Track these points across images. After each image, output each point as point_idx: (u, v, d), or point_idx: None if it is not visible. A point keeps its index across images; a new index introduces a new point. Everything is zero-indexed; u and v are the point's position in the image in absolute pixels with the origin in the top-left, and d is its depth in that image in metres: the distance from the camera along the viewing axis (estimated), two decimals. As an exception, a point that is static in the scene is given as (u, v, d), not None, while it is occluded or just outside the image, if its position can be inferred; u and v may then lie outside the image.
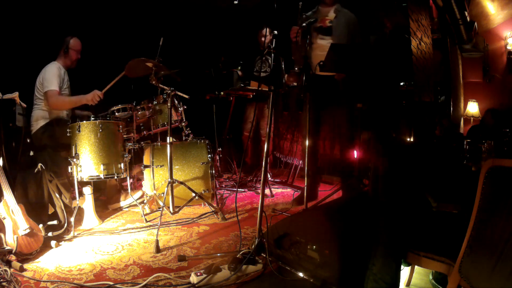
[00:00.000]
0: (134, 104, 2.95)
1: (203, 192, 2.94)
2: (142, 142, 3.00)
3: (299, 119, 3.06)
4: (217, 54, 4.32)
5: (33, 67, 3.04)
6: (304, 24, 2.61)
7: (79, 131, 2.54)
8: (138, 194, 2.91)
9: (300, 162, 4.02)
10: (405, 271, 1.60)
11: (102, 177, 2.56)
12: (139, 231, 2.39)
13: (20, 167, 2.66)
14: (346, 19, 2.86)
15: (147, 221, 2.57)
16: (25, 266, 1.79)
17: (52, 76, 2.87)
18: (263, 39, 4.35)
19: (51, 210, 2.30)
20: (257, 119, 4.44)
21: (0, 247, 1.81)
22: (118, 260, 1.90)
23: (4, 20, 3.53)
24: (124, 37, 4.37)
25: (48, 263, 1.85)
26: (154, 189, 2.87)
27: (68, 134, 2.58)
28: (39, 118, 2.93)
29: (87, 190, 2.53)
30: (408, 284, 1.64)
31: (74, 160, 2.48)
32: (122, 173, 2.67)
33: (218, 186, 3.59)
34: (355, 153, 3.19)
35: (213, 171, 3.04)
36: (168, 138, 2.58)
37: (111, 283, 1.64)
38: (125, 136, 2.90)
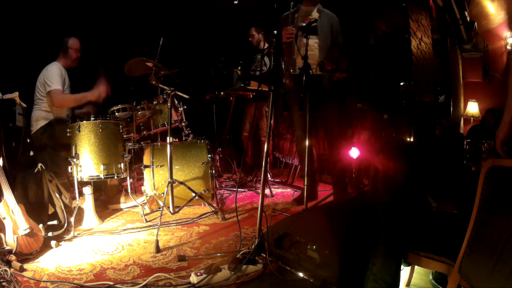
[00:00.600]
0: (134, 104, 2.96)
1: (203, 192, 2.94)
2: (142, 142, 3.00)
3: (293, 120, 3.05)
4: (217, 54, 4.33)
5: (33, 67, 3.04)
6: (304, 24, 2.61)
7: (79, 131, 2.54)
8: (141, 199, 2.91)
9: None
10: (405, 271, 1.60)
11: (102, 177, 2.56)
12: (139, 231, 2.38)
13: (20, 167, 2.66)
14: (329, 19, 2.87)
15: (147, 221, 2.57)
16: (25, 266, 1.79)
17: (54, 75, 2.88)
18: (250, 39, 4.36)
19: (51, 210, 2.30)
20: (257, 119, 4.44)
21: (0, 247, 1.81)
22: (118, 260, 1.90)
23: (4, 20, 3.53)
24: (124, 37, 4.37)
25: (48, 263, 1.85)
26: (154, 189, 2.87)
27: (68, 134, 2.58)
28: (39, 118, 2.93)
29: (87, 190, 2.53)
30: (408, 284, 1.64)
31: (74, 160, 2.48)
32: (122, 173, 2.67)
33: (218, 186, 3.59)
34: (355, 154, 3.19)
35: (213, 171, 3.04)
36: (168, 138, 2.58)
37: (111, 283, 1.64)
38: (125, 136, 2.90)
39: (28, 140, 2.98)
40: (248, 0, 5.16)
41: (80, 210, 2.49)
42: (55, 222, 2.25)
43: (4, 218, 1.87)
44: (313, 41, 2.82)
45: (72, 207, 2.40)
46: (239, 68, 4.35)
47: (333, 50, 2.84)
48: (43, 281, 1.65)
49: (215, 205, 2.85)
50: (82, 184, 2.56)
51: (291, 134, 4.23)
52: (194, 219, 2.65)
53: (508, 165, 1.02)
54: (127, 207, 2.96)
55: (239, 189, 3.61)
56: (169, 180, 2.55)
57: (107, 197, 3.02)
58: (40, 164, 2.33)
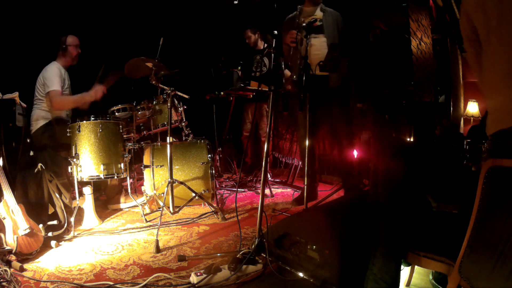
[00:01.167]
0: (134, 104, 2.95)
1: (203, 192, 2.94)
2: (142, 142, 3.00)
3: (296, 120, 3.05)
4: (217, 54, 4.33)
5: (33, 67, 3.04)
6: (304, 24, 2.61)
7: (79, 131, 2.54)
8: (141, 199, 2.91)
9: (300, 162, 4.02)
10: (405, 271, 1.60)
11: (102, 177, 2.56)
12: (139, 231, 2.39)
13: (20, 167, 2.66)
14: (333, 17, 2.87)
15: (147, 221, 2.57)
16: (25, 266, 1.79)
17: (53, 76, 2.87)
18: (247, 41, 4.36)
19: (51, 210, 2.30)
20: (257, 119, 4.44)
21: (0, 247, 1.81)
22: (118, 260, 1.90)
23: (4, 20, 3.53)
24: (124, 37, 4.37)
25: (48, 263, 1.85)
26: (154, 189, 2.87)
27: (68, 134, 2.58)
28: (39, 118, 2.93)
29: (87, 190, 2.53)
30: (408, 284, 1.64)
31: (74, 160, 2.48)
32: (122, 173, 2.67)
33: (218, 186, 3.59)
34: (355, 153, 3.19)
35: (213, 171, 3.04)
36: (168, 138, 2.58)
37: (111, 283, 1.64)
38: (125, 136, 2.90)
39: (28, 140, 2.98)
40: (248, 0, 5.16)
41: (80, 210, 2.49)
42: (55, 222, 2.25)
43: (4, 218, 1.87)
44: (321, 40, 2.84)
45: (72, 207, 2.40)
46: (239, 68, 4.35)
47: (333, 50, 2.84)
48: (43, 281, 1.65)
49: (215, 205, 2.85)
50: (82, 184, 2.56)
51: (291, 134, 4.23)
52: (194, 219, 2.65)
53: (508, 165, 1.02)
54: (127, 207, 2.96)
55: (239, 189, 3.61)
56: (169, 180, 2.55)
57: (107, 197, 3.02)
58: (40, 164, 2.33)
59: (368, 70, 2.82)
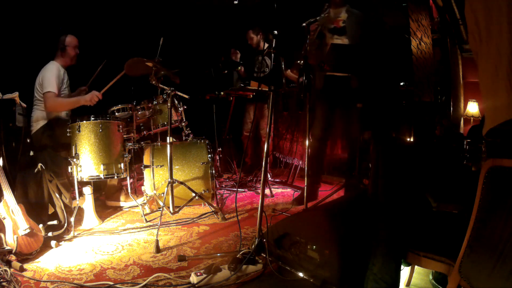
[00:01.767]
0: (134, 104, 2.95)
1: (203, 192, 2.94)
2: (142, 142, 3.00)
3: (312, 118, 3.06)
4: (217, 54, 4.32)
5: (33, 67, 3.04)
6: (304, 24, 2.61)
7: (79, 131, 2.54)
8: (141, 199, 2.91)
9: (300, 162, 4.02)
10: (405, 271, 1.60)
11: (102, 177, 2.56)
12: (139, 231, 2.39)
13: (20, 167, 2.66)
14: (357, 18, 2.87)
15: (147, 221, 2.57)
16: (25, 266, 1.79)
17: (51, 76, 2.86)
18: (249, 42, 4.36)
19: (51, 210, 2.30)
20: (257, 119, 4.44)
21: (0, 247, 1.81)
22: (118, 260, 1.90)
23: (4, 20, 3.53)
24: (124, 37, 4.37)
25: (48, 263, 1.85)
26: (154, 189, 2.87)
27: (68, 134, 2.58)
28: (39, 119, 2.93)
29: (87, 190, 2.53)
30: (408, 284, 1.64)
31: (74, 160, 2.48)
32: (122, 173, 2.67)
33: (218, 186, 3.59)
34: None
35: (213, 171, 3.04)
36: (168, 138, 2.58)
37: (111, 283, 1.64)
38: (125, 136, 2.90)
39: (28, 140, 2.98)
40: (248, 0, 5.16)
41: (80, 210, 2.49)
42: (55, 222, 2.25)
43: (4, 218, 1.87)
44: (344, 41, 2.84)
45: (72, 207, 2.40)
46: (240, 67, 4.35)
47: (320, 55, 2.85)
48: (43, 281, 1.65)
49: (215, 205, 2.85)
50: (82, 184, 2.56)
51: (291, 134, 4.23)
52: (194, 219, 2.65)
53: (508, 165, 1.02)
54: (127, 207, 2.97)
55: (239, 189, 3.61)
56: (169, 180, 2.55)
57: (106, 195, 3.02)
58: (40, 164, 2.33)
59: (367, 70, 2.82)
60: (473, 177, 1.12)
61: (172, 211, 2.57)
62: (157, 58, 2.81)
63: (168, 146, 2.55)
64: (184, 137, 3.13)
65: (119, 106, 2.89)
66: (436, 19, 3.78)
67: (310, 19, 2.66)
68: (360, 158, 2.89)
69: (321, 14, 2.67)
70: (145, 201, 2.85)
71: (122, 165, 2.67)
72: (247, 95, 4.21)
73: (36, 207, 2.22)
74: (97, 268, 1.81)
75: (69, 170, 2.51)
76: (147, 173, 2.91)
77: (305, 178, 2.62)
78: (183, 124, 3.09)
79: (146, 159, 2.96)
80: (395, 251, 1.35)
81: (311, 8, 3.02)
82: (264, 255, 1.78)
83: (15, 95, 2.73)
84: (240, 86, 4.07)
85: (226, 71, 4.41)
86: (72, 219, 2.30)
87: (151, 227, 2.46)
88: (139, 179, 3.56)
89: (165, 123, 2.93)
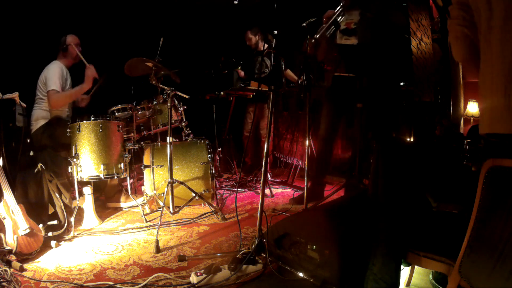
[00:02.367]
0: (134, 104, 2.96)
1: (203, 192, 2.94)
2: (142, 142, 3.00)
3: (319, 118, 3.05)
4: (217, 54, 4.33)
5: (33, 67, 3.04)
6: (304, 24, 2.61)
7: (79, 131, 2.54)
8: (141, 199, 2.91)
9: (300, 162, 4.02)
10: (405, 271, 1.60)
11: (102, 177, 2.56)
12: (139, 231, 2.39)
13: (20, 167, 2.66)
14: (369, 22, 2.85)
15: (147, 221, 2.57)
16: (25, 266, 1.79)
17: (54, 75, 2.87)
18: (247, 43, 4.36)
19: (51, 210, 2.30)
20: (257, 119, 4.44)
21: (0, 247, 1.81)
22: (118, 260, 1.90)
23: (4, 20, 3.53)
24: (124, 37, 4.37)
25: (48, 263, 1.85)
26: (154, 189, 2.87)
27: (68, 134, 2.58)
28: (39, 118, 2.93)
29: (87, 190, 2.53)
30: (408, 284, 1.64)
31: (74, 160, 2.48)
32: (122, 173, 2.68)
33: (218, 186, 3.59)
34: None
35: (213, 171, 3.04)
36: (168, 138, 2.58)
37: (111, 283, 1.64)
38: (125, 136, 2.90)
39: (28, 140, 2.98)
40: (248, 0, 5.16)
41: (80, 210, 2.49)
42: (55, 222, 2.25)
43: (4, 218, 1.87)
44: (352, 42, 2.82)
45: (72, 207, 2.40)
46: (240, 68, 4.35)
47: (332, 50, 2.84)
48: (43, 281, 1.65)
49: (215, 205, 2.85)
50: (82, 184, 2.56)
51: (291, 134, 4.23)
52: (194, 219, 2.65)
53: (508, 165, 1.02)
54: (127, 207, 2.97)
55: (239, 189, 3.61)
56: (169, 180, 2.55)
57: (106, 196, 3.02)
58: (40, 164, 2.33)
59: (367, 70, 2.82)
60: (473, 177, 1.12)
61: (172, 211, 2.57)
62: (157, 58, 2.81)
63: (168, 146, 2.55)
64: (184, 137, 3.13)
65: (119, 106, 2.89)
66: (436, 19, 3.78)
67: (310, 19, 2.67)
68: (360, 158, 2.89)
69: (336, 14, 2.67)
70: (145, 201, 2.85)
71: (122, 165, 2.67)
72: (247, 95, 4.22)
73: (36, 207, 2.22)
74: (97, 268, 1.81)
75: (69, 170, 2.51)
76: (147, 173, 2.91)
77: (305, 178, 2.62)
78: (183, 124, 3.09)
79: (146, 159, 2.96)
80: (395, 251, 1.35)
81: (311, 8, 3.02)
82: (264, 255, 1.78)
83: (15, 95, 2.73)
84: (240, 86, 4.07)
85: (226, 71, 4.41)
86: (72, 219, 2.30)
87: (151, 227, 2.46)
88: (139, 179, 3.56)
89: (165, 123, 2.93)
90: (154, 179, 2.87)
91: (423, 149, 1.72)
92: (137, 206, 2.84)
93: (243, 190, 3.62)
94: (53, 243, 2.06)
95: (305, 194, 2.57)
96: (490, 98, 1.14)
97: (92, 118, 2.57)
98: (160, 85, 2.84)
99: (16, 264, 1.75)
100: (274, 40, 2.12)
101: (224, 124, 4.60)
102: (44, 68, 2.94)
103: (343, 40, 2.85)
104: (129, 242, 2.18)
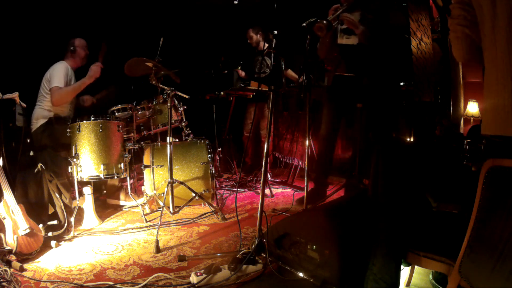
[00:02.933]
0: (134, 104, 2.96)
1: (203, 192, 2.94)
2: (142, 142, 3.00)
3: (319, 118, 3.05)
4: (217, 54, 4.32)
5: (33, 67, 3.05)
6: (304, 24, 2.61)
7: (79, 131, 2.54)
8: (141, 199, 2.91)
9: (300, 162, 4.02)
10: (405, 271, 1.60)
11: (102, 177, 2.56)
12: (139, 231, 2.39)
13: (20, 167, 2.66)
14: (369, 23, 2.85)
15: (147, 221, 2.57)
16: (25, 266, 1.79)
17: (59, 73, 2.89)
18: (249, 41, 4.36)
19: (51, 210, 2.30)
20: (257, 119, 4.44)
21: (0, 247, 1.81)
22: (118, 260, 1.90)
23: (4, 20, 3.52)
24: (124, 37, 4.37)
25: (48, 263, 1.85)
26: (154, 189, 2.87)
27: (68, 134, 2.58)
28: (39, 117, 2.94)
29: (87, 190, 2.53)
30: (408, 284, 1.64)
31: (74, 160, 2.48)
32: (122, 173, 2.68)
33: (218, 186, 3.59)
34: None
35: (213, 171, 3.04)
36: (168, 138, 2.58)
37: (111, 283, 1.64)
38: (125, 136, 2.90)
39: (28, 140, 2.98)
40: (248, 0, 5.16)
41: (80, 210, 2.49)
42: (55, 222, 2.25)
43: (4, 218, 1.87)
44: (352, 40, 2.82)
45: (72, 207, 2.40)
46: (239, 68, 4.34)
47: (332, 50, 2.84)
48: (43, 281, 1.65)
49: (215, 205, 2.85)
50: (82, 184, 2.56)
51: (291, 134, 4.23)
52: (194, 219, 2.65)
53: (508, 165, 1.02)
54: (127, 207, 2.97)
55: (239, 189, 3.61)
56: (169, 180, 2.55)
57: (107, 193, 3.03)
58: (40, 164, 2.33)
59: (367, 70, 2.82)
60: (473, 177, 1.12)
61: (172, 211, 2.57)
62: (157, 58, 2.81)
63: (168, 146, 2.55)
64: (184, 137, 3.13)
65: (119, 106, 2.89)
66: (436, 19, 3.78)
67: (310, 19, 2.66)
68: (360, 158, 2.89)
69: (341, 10, 2.67)
70: (145, 201, 2.85)
71: (122, 165, 2.67)
72: (247, 95, 4.21)
73: (36, 207, 2.22)
74: (97, 268, 1.81)
75: (69, 170, 2.51)
76: (147, 173, 2.91)
77: (305, 178, 2.62)
78: (183, 124, 3.09)
79: (146, 159, 2.96)
80: (395, 251, 1.35)
81: (311, 8, 3.02)
82: (264, 255, 1.78)
83: (15, 95, 2.73)
84: (240, 86, 4.07)
85: (226, 71, 4.41)
86: (72, 219, 2.30)
87: (151, 227, 2.46)
88: (139, 179, 3.56)
89: (165, 123, 2.93)
90: (154, 179, 2.87)
91: (423, 149, 1.72)
92: (137, 206, 2.84)
93: (243, 190, 3.61)
94: (53, 243, 2.06)
95: (305, 194, 2.56)
96: (495, 98, 1.14)
97: (92, 118, 2.57)
98: (160, 85, 2.84)
99: (16, 264, 1.75)
100: (274, 40, 2.11)
101: (224, 124, 4.60)
102: (48, 68, 2.95)
103: (344, 39, 2.85)
104: (129, 242, 2.18)
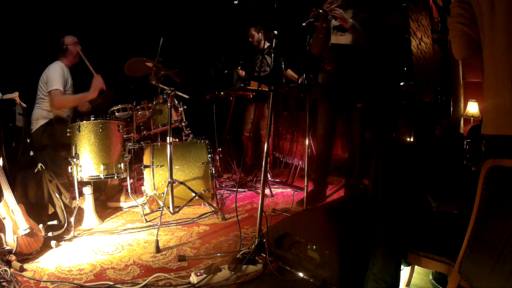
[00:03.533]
0: (134, 104, 2.96)
1: (203, 192, 2.94)
2: (142, 142, 3.00)
3: (316, 119, 3.04)
4: (217, 54, 4.32)
5: (33, 67, 3.05)
6: (304, 24, 2.61)
7: (79, 131, 2.54)
8: (141, 199, 2.91)
9: (300, 162, 4.02)
10: (405, 271, 1.60)
11: (102, 177, 2.56)
12: (139, 231, 2.38)
13: (20, 167, 2.66)
14: (363, 18, 2.85)
15: (147, 221, 2.56)
16: (25, 266, 1.79)
17: (55, 75, 2.89)
18: (250, 39, 4.36)
19: (51, 210, 2.30)
20: (257, 119, 4.44)
21: (0, 247, 1.81)
22: (118, 260, 1.90)
23: (4, 20, 3.53)
24: (124, 37, 4.37)
25: (48, 263, 1.85)
26: (154, 189, 2.87)
27: (68, 134, 2.58)
28: (39, 118, 2.94)
29: (87, 190, 2.53)
30: (408, 284, 1.64)
31: (74, 160, 2.48)
32: (122, 173, 2.68)
33: (218, 186, 3.59)
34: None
35: (213, 171, 3.04)
36: (168, 138, 2.58)
37: (111, 283, 1.64)
38: (125, 136, 2.90)
39: (28, 140, 2.99)
40: (248, 0, 5.16)
41: (80, 210, 2.49)
42: (55, 222, 2.25)
43: (4, 218, 1.87)
44: (346, 37, 2.82)
45: (72, 207, 2.40)
46: (239, 67, 4.34)
47: (326, 47, 2.83)
48: (43, 281, 1.65)
49: (215, 205, 2.85)
50: (82, 184, 2.56)
51: (291, 134, 4.23)
52: (194, 219, 2.65)
53: (508, 165, 1.02)
54: (127, 207, 2.97)
55: (239, 189, 3.61)
56: (169, 180, 2.55)
57: (106, 196, 3.02)
58: (40, 164, 2.33)
59: (367, 70, 2.82)
60: (473, 177, 1.12)
61: (172, 211, 2.57)
62: (157, 58, 2.81)
63: (168, 146, 2.55)
64: (184, 137, 3.13)
65: (119, 106, 2.89)
66: (436, 19, 3.78)
67: (310, 19, 2.66)
68: (360, 158, 2.89)
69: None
70: (145, 201, 2.85)
71: (122, 165, 2.67)
72: (247, 95, 4.21)
73: (36, 207, 2.22)
74: (97, 268, 1.81)
75: (69, 170, 2.51)
76: (147, 173, 2.91)
77: (305, 178, 2.62)
78: (183, 124, 3.09)
79: (146, 159, 2.96)
80: (395, 251, 1.35)
81: (311, 9, 3.02)
82: (264, 255, 1.78)
83: (15, 95, 2.73)
84: (240, 86, 4.07)
85: (226, 71, 4.41)
86: (72, 219, 2.30)
87: (151, 227, 2.46)
88: (139, 179, 3.56)
89: (165, 123, 2.93)
90: (154, 179, 2.87)
91: (423, 149, 1.72)
92: (137, 206, 2.84)
93: (243, 190, 3.61)
94: (53, 243, 2.06)
95: (305, 194, 2.56)
96: (494, 97, 1.14)
97: (92, 118, 2.57)
98: (160, 85, 2.84)
99: (16, 264, 1.75)
100: (274, 40, 2.11)
101: (224, 124, 4.60)
102: (45, 68, 2.95)
103: (337, 36, 2.84)
104: (129, 242, 2.18)
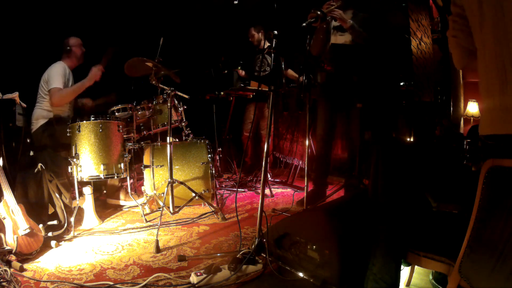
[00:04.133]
0: (134, 104, 2.96)
1: (203, 192, 2.94)
2: (142, 142, 3.00)
3: (315, 119, 3.04)
4: (217, 54, 4.32)
5: (33, 67, 3.05)
6: (304, 24, 2.61)
7: (79, 131, 2.54)
8: (141, 199, 2.91)
9: (300, 162, 4.02)
10: (405, 271, 1.60)
11: (102, 177, 2.56)
12: (139, 231, 2.39)
13: (20, 167, 2.66)
14: (362, 20, 2.85)
15: (147, 221, 2.57)
16: (25, 266, 1.79)
17: (57, 74, 2.89)
18: (250, 39, 4.36)
19: (51, 210, 2.30)
20: (257, 119, 4.44)
21: (0, 247, 1.81)
22: (118, 260, 1.90)
23: (4, 20, 3.53)
24: (124, 37, 4.36)
25: (48, 263, 1.85)
26: (154, 189, 2.87)
27: (68, 134, 2.58)
28: (39, 117, 2.94)
29: (87, 190, 2.53)
30: (408, 284, 1.64)
31: (74, 160, 2.48)
32: (122, 173, 2.68)
33: (218, 186, 3.59)
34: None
35: (213, 171, 3.04)
36: (168, 138, 2.58)
37: (111, 283, 1.64)
38: (125, 136, 2.90)
39: (28, 140, 2.99)
40: (248, 0, 5.16)
41: (80, 210, 2.49)
42: (55, 222, 2.25)
43: (4, 218, 1.87)
44: (345, 37, 2.82)
45: (72, 207, 2.40)
46: (239, 67, 4.35)
47: (326, 47, 2.83)
48: (43, 281, 1.65)
49: (215, 205, 2.85)
50: (82, 184, 2.56)
51: (291, 134, 4.23)
52: (194, 219, 2.65)
53: (508, 165, 1.02)
54: (127, 207, 2.97)
55: (239, 189, 3.61)
56: (169, 180, 2.55)
57: (107, 193, 3.03)
58: (40, 164, 2.33)
59: (367, 70, 2.82)
60: (473, 177, 1.12)
61: (172, 211, 2.57)
62: (157, 58, 2.81)
63: (168, 146, 2.55)
64: (184, 137, 3.13)
65: (119, 106, 2.89)
66: (436, 19, 3.78)
67: (310, 19, 2.66)
68: (360, 158, 2.89)
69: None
70: (145, 201, 2.85)
71: (122, 165, 2.67)
72: (247, 95, 4.22)
73: (36, 207, 2.22)
74: (97, 268, 1.81)
75: (69, 170, 2.51)
76: (147, 173, 2.91)
77: (305, 178, 2.62)
78: (183, 124, 3.09)
79: (146, 159, 2.96)
80: (395, 251, 1.35)
81: (311, 9, 3.02)
82: (264, 255, 1.78)
83: (15, 95, 2.73)
84: (240, 86, 4.07)
85: (226, 71, 4.41)
86: (72, 219, 2.30)
87: (151, 227, 2.46)
88: (139, 179, 3.56)
89: (165, 123, 2.93)
90: (154, 179, 2.87)
91: (423, 149, 1.72)
92: (137, 206, 2.84)
93: (243, 190, 3.62)
94: (53, 243, 2.06)
95: (305, 194, 2.56)
96: (486, 98, 1.17)
97: (92, 118, 2.57)
98: (160, 85, 2.84)
99: (16, 264, 1.75)
100: (275, 40, 2.12)
101: (224, 124, 4.60)
102: (47, 68, 2.95)
103: (337, 36, 2.84)
104: (129, 242, 2.18)
